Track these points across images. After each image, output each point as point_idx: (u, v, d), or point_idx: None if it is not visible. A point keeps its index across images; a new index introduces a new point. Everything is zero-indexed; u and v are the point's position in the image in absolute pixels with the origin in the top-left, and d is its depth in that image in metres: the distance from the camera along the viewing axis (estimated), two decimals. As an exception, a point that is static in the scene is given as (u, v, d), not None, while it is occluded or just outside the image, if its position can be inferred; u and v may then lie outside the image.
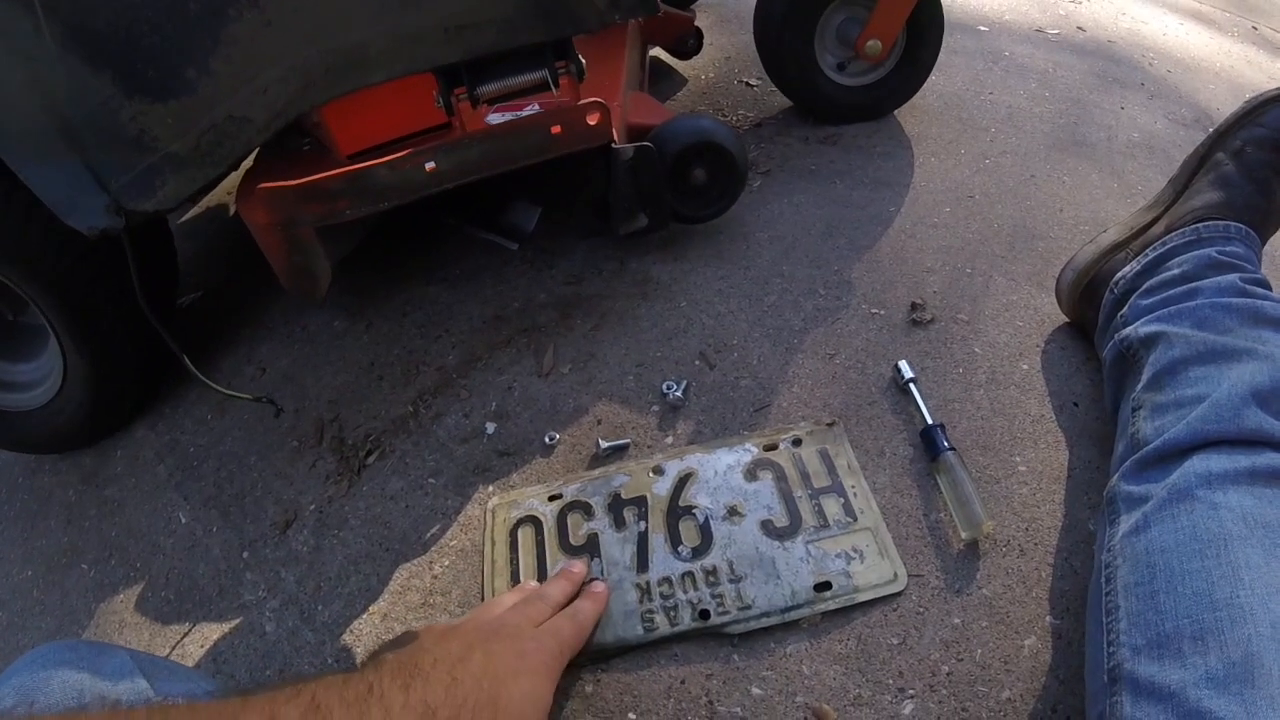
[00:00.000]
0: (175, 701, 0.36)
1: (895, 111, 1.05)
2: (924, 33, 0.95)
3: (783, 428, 0.65)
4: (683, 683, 0.52)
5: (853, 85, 0.99)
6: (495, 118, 0.74)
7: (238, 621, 0.62)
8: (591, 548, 0.58)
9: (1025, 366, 0.70)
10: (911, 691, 0.50)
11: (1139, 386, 0.56)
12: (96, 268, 0.72)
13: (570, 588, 0.53)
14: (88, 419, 0.79)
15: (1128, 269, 0.64)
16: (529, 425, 0.69)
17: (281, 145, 0.78)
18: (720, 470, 0.61)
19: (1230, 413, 0.48)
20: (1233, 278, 0.57)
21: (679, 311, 0.77)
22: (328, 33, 0.59)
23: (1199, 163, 0.66)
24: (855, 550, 0.56)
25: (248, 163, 0.76)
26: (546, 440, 0.67)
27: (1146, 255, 0.63)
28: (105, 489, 0.78)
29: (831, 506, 0.58)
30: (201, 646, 0.61)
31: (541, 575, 0.57)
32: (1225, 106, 0.66)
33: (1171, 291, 0.59)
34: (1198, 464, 0.47)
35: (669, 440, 0.66)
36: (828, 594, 0.54)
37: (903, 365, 0.68)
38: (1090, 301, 0.68)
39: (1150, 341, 0.57)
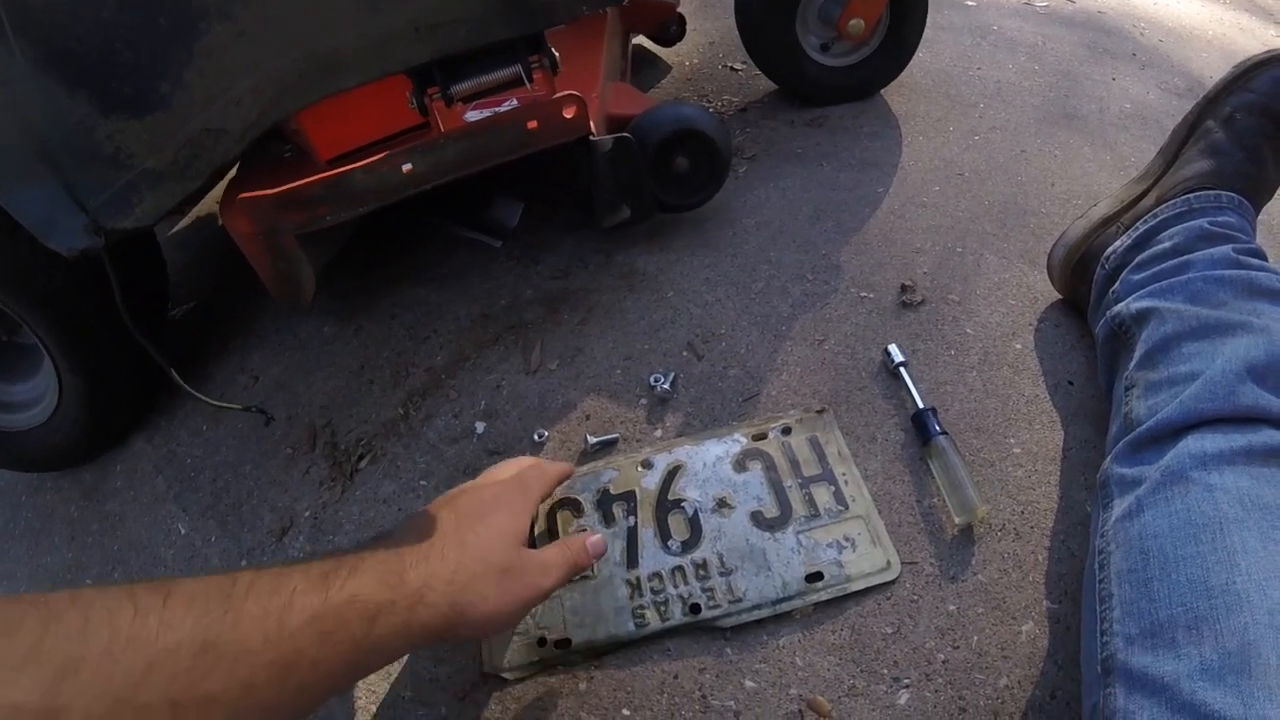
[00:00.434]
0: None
1: (882, 91, 1.03)
2: (908, 10, 0.93)
3: (772, 416, 0.64)
4: (676, 677, 0.51)
5: (837, 66, 0.98)
6: (474, 115, 0.73)
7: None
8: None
9: (1018, 346, 0.69)
10: (907, 681, 0.49)
11: (1132, 365, 0.55)
12: (85, 285, 0.72)
13: (532, 462, 0.54)
14: (86, 435, 0.80)
15: (1118, 243, 0.63)
16: (518, 423, 0.69)
17: (264, 153, 0.78)
18: (709, 462, 0.61)
19: (1225, 390, 0.47)
20: (1225, 249, 0.56)
21: (666, 302, 0.77)
22: (299, 39, 0.58)
23: (1188, 131, 0.64)
24: (847, 539, 0.56)
25: (232, 172, 0.76)
26: (535, 438, 0.67)
27: (1137, 229, 0.62)
28: (106, 504, 0.78)
29: (822, 495, 0.58)
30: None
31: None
32: (1218, 74, 0.64)
33: (1163, 265, 0.58)
34: (1192, 444, 0.46)
35: (657, 433, 0.65)
36: (820, 584, 0.53)
37: (893, 349, 0.67)
38: (1082, 278, 0.67)
39: (1142, 318, 0.56)
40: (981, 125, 0.97)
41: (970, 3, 1.29)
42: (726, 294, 0.77)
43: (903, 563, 0.54)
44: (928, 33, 0.97)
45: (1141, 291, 0.58)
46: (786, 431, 0.62)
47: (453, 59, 0.61)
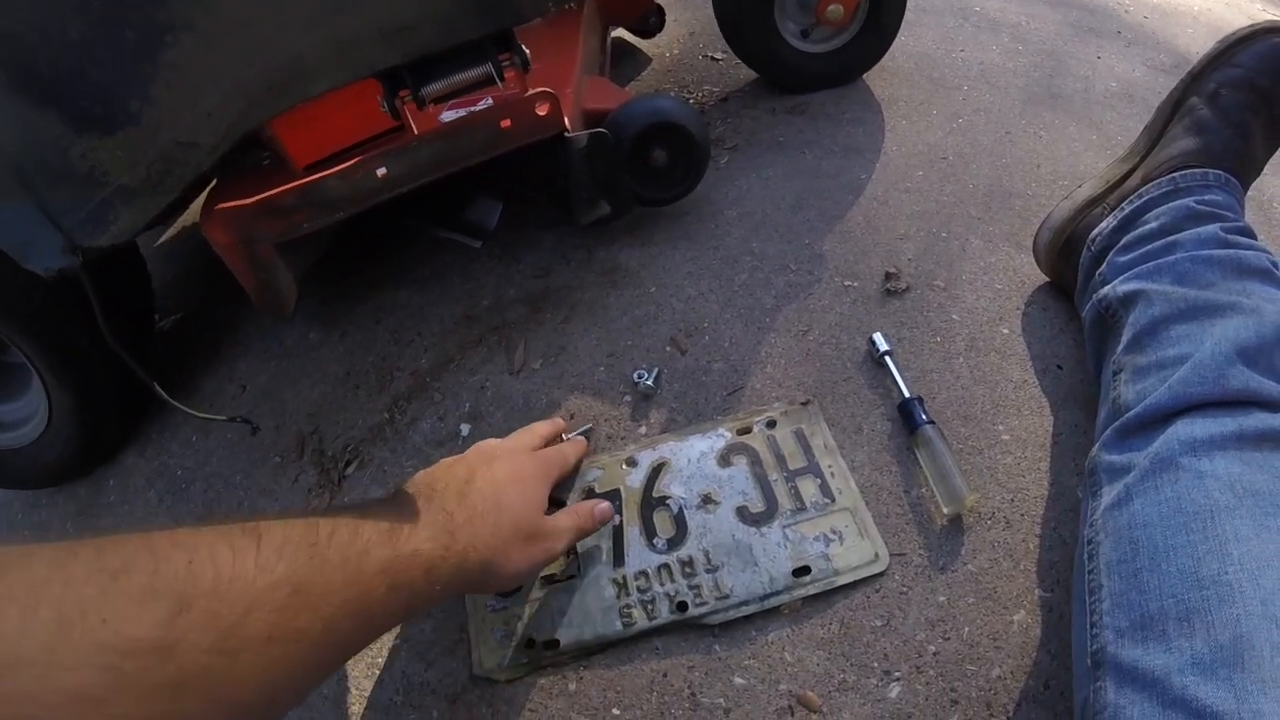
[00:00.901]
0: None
1: (864, 76, 1.02)
2: (887, -7, 0.92)
3: (756, 410, 0.64)
4: (665, 676, 0.51)
5: (817, 52, 0.97)
6: (450, 115, 0.73)
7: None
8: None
9: (1005, 331, 0.68)
10: (898, 673, 0.49)
11: (1119, 348, 0.54)
12: (68, 302, 0.72)
13: (554, 430, 0.60)
14: (78, 451, 0.80)
15: (1104, 225, 0.62)
16: (502, 424, 0.69)
17: (243, 163, 0.78)
18: (693, 458, 0.60)
19: (1214, 373, 0.46)
20: (1213, 228, 0.55)
21: (649, 298, 0.76)
22: (265, 48, 0.57)
23: (1173, 109, 0.63)
24: (834, 532, 0.55)
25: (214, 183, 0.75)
26: (521, 440, 0.67)
27: (1123, 209, 0.61)
28: (100, 518, 0.78)
29: (808, 488, 0.57)
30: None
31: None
32: (1204, 50, 0.63)
33: (1150, 246, 0.57)
34: (1181, 430, 0.45)
35: (642, 430, 0.65)
36: (807, 578, 0.53)
37: (877, 338, 0.66)
38: (1068, 260, 0.66)
39: (1129, 300, 0.55)
40: (965, 108, 0.96)
41: (953, -17, 1.28)
42: (709, 287, 0.76)
43: (891, 554, 0.54)
44: (909, 15, 0.95)
45: (1128, 274, 0.57)
46: (771, 425, 0.62)
47: (423, 61, 0.60)
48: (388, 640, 0.57)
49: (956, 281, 0.73)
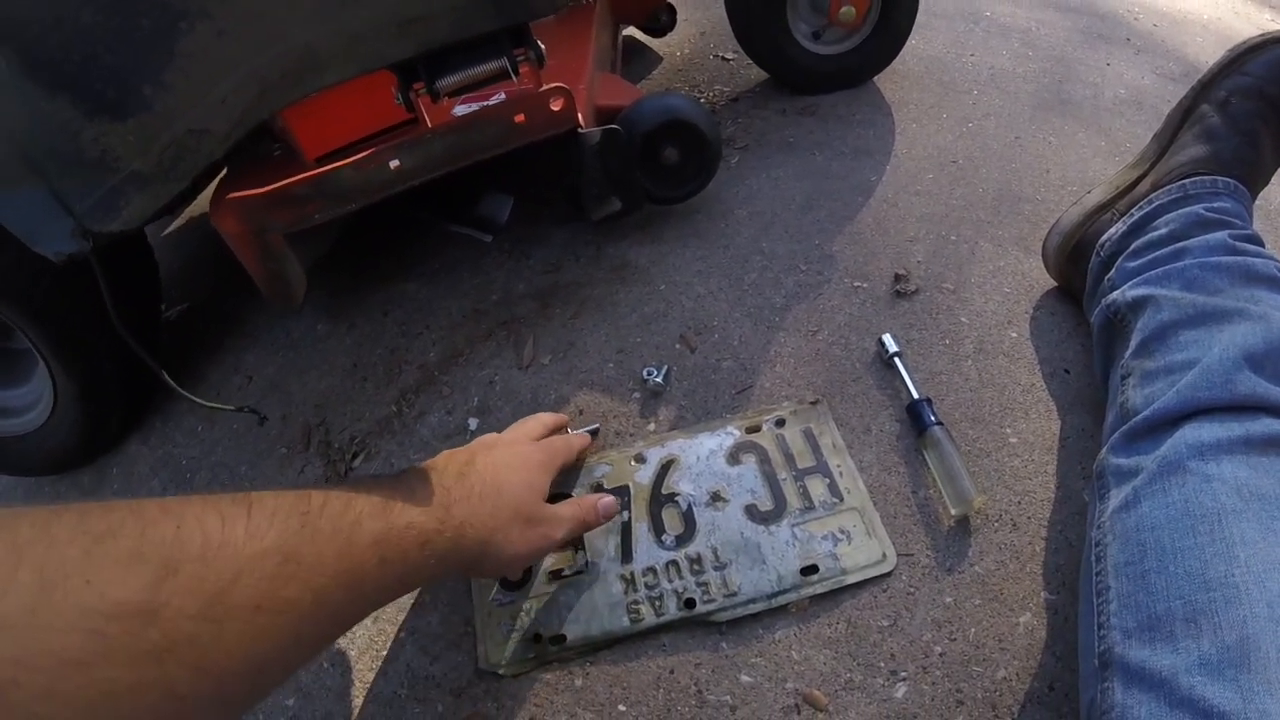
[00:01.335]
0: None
1: (874, 78, 1.02)
2: (899, -4, 0.92)
3: (765, 409, 0.64)
4: (671, 672, 0.51)
5: (829, 54, 0.97)
6: (463, 109, 0.73)
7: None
8: (575, 540, 0.57)
9: (1014, 334, 0.68)
10: (904, 674, 0.49)
11: (1128, 353, 0.54)
12: (76, 289, 0.72)
13: (558, 422, 0.61)
14: (82, 439, 0.79)
15: (1113, 230, 0.62)
16: (510, 419, 0.68)
17: (254, 152, 0.78)
18: (702, 455, 0.61)
19: (1222, 378, 0.46)
20: (1222, 235, 0.55)
21: (658, 295, 0.76)
22: (280, 37, 0.57)
23: (1183, 116, 0.63)
24: (842, 531, 0.55)
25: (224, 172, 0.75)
26: (529, 435, 0.67)
27: (1132, 215, 0.61)
28: (102, 506, 0.78)
29: (817, 487, 0.58)
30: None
31: (526, 570, 0.57)
32: (1213, 59, 0.63)
33: (1159, 252, 0.57)
34: (1189, 434, 0.45)
35: (651, 427, 0.65)
36: (815, 577, 0.53)
37: (887, 339, 0.66)
38: (1077, 265, 0.66)
39: (1138, 305, 0.55)
40: (975, 112, 0.96)
41: (964, -12, 1.28)
42: (719, 285, 0.76)
43: (899, 555, 0.54)
44: (920, 19, 0.95)
45: (1137, 279, 0.57)
46: (780, 424, 0.62)
47: (437, 53, 0.60)
48: (392, 633, 0.57)
49: (965, 284, 0.73)
